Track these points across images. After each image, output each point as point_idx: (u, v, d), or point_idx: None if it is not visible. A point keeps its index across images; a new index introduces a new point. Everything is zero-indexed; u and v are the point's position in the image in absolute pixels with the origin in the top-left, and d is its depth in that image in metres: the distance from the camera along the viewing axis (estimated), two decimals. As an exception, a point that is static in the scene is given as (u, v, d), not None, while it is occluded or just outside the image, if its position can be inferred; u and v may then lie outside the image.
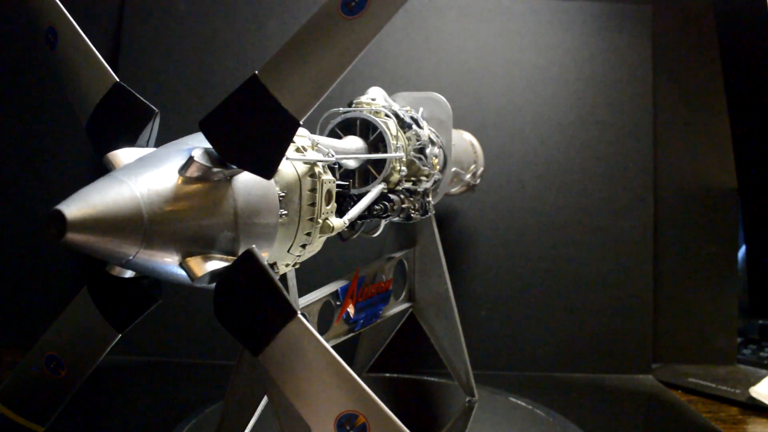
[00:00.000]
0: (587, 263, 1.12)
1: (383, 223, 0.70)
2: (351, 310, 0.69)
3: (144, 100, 0.44)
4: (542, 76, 1.14)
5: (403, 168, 0.66)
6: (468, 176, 0.92)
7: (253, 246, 0.39)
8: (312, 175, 0.47)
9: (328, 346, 0.38)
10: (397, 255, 0.81)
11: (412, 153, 0.68)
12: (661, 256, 1.14)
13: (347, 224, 0.53)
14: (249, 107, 0.38)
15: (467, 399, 0.86)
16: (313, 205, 0.46)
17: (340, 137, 0.65)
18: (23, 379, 0.47)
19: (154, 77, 1.09)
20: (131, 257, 0.35)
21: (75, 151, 1.09)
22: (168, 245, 0.36)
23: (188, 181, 0.37)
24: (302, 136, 0.50)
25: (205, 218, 0.37)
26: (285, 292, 0.38)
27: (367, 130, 0.66)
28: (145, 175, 0.36)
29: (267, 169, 0.38)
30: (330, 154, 0.50)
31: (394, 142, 0.65)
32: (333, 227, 0.49)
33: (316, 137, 0.53)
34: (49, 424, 0.46)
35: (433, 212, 0.80)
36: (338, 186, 0.53)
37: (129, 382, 0.99)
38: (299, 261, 0.50)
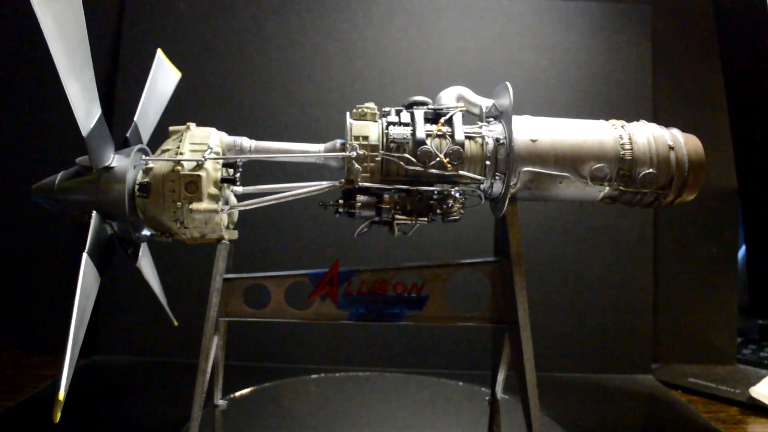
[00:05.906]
0: (587, 263, 1.12)
1: (395, 224, 0.70)
2: (331, 297, 0.72)
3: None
4: (542, 76, 1.13)
5: (358, 167, 0.67)
6: (596, 178, 0.70)
7: (94, 212, 0.64)
8: (173, 170, 0.65)
9: (79, 286, 0.59)
10: (441, 263, 0.76)
11: (385, 152, 0.68)
12: (661, 256, 1.14)
13: (222, 210, 0.65)
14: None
15: None
16: (174, 192, 0.65)
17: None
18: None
19: (154, 77, 1.09)
20: (56, 203, 0.67)
21: (77, 147, 1.09)
22: (68, 202, 0.67)
23: (79, 172, 0.67)
24: (200, 144, 0.66)
25: (85, 191, 0.66)
26: (90, 238, 0.62)
27: None
28: (68, 169, 0.68)
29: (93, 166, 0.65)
30: (203, 157, 0.65)
31: (355, 142, 0.67)
32: (192, 210, 0.64)
33: (256, 143, 0.70)
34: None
35: (511, 215, 0.74)
36: (225, 180, 0.67)
37: (129, 382, 0.99)
38: (185, 233, 0.67)
